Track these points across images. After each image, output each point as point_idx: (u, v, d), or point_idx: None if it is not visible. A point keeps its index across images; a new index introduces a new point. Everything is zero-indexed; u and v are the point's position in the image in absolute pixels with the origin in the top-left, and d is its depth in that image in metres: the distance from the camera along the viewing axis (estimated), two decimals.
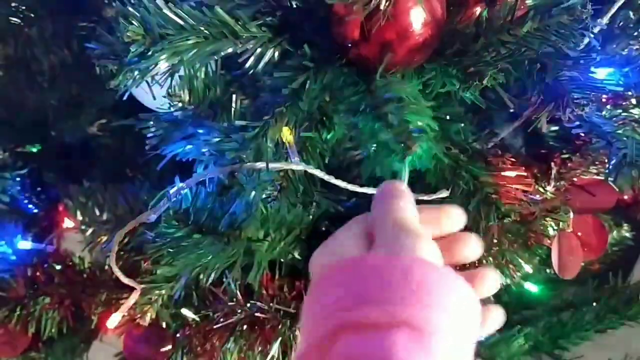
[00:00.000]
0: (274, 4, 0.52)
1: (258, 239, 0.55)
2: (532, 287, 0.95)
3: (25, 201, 0.88)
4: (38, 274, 0.79)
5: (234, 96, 0.53)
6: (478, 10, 0.53)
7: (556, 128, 0.67)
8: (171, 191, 0.49)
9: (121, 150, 0.90)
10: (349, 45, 0.50)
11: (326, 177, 0.50)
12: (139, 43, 0.46)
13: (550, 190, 0.64)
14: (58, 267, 0.78)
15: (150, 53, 0.46)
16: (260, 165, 0.46)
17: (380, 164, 0.55)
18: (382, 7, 0.46)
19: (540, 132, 0.68)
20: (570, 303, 0.98)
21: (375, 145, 0.49)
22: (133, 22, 0.46)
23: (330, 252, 0.38)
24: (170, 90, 0.50)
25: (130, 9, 0.46)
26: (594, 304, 0.97)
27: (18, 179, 0.86)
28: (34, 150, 0.88)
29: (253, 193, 0.49)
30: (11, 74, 0.72)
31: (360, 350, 0.32)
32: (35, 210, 0.90)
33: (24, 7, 0.71)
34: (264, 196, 0.51)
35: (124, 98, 0.68)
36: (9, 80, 0.72)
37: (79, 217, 0.69)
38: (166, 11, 0.46)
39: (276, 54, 0.52)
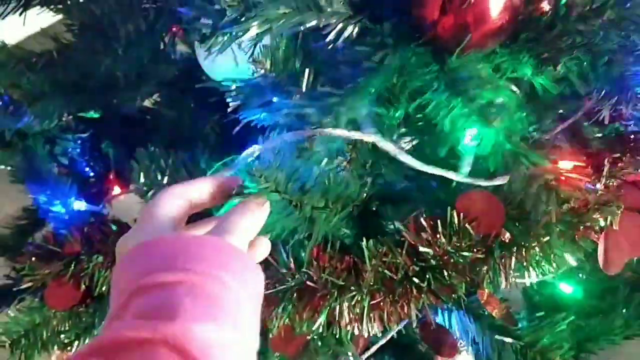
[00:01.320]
0: None
1: (321, 207, 0.57)
2: (566, 288, 0.96)
3: (83, 164, 0.92)
4: (93, 232, 0.82)
5: (307, 69, 0.55)
6: (546, 3, 0.56)
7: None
8: (247, 151, 0.52)
9: (178, 123, 0.93)
10: (427, 25, 0.53)
11: (396, 152, 0.52)
12: (234, 9, 0.49)
13: (600, 188, 0.66)
14: (114, 228, 0.81)
15: (243, 19, 0.49)
16: (339, 132, 0.48)
17: (443, 145, 0.57)
18: None
19: (587, 133, 0.70)
20: (600, 308, 1.00)
21: (445, 124, 0.51)
22: None
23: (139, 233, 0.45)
24: (255, 57, 0.53)
25: None
26: (624, 310, 0.98)
27: (79, 142, 0.90)
28: (96, 116, 0.91)
29: (325, 160, 0.52)
30: (87, 39, 0.75)
31: (149, 302, 0.39)
32: (92, 174, 0.94)
33: None
34: (334, 165, 0.54)
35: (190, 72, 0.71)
36: (85, 45, 0.75)
37: (142, 179, 0.72)
38: None
39: (355, 30, 0.54)
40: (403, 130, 0.62)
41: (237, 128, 0.56)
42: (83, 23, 0.77)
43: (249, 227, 0.47)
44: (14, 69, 0.78)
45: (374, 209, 0.73)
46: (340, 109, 0.47)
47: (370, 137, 0.51)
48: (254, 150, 0.53)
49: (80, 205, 0.91)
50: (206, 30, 0.50)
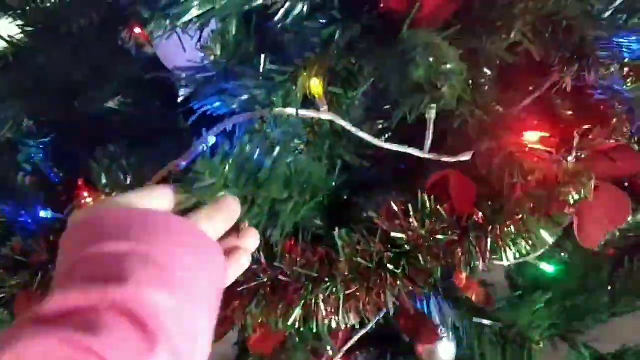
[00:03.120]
0: None
1: (282, 199, 0.55)
2: (547, 268, 0.95)
3: (48, 170, 0.89)
4: (60, 239, 0.80)
5: (263, 55, 0.53)
6: None
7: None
8: (200, 140, 0.50)
9: (145, 121, 0.91)
10: None
11: (353, 130, 0.50)
12: None
13: (571, 160, 0.64)
14: None
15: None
16: (290, 110, 0.46)
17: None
18: None
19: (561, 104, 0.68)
20: (585, 286, 0.98)
21: (401, 96, 0.49)
22: None
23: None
24: (202, 43, 0.51)
25: None
26: (609, 287, 0.97)
27: (42, 147, 0.87)
28: (58, 120, 0.89)
29: (277, 147, 0.50)
30: (40, 38, 0.73)
31: (99, 269, 0.36)
32: (56, 180, 0.91)
33: None
34: (291, 149, 0.52)
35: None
36: (38, 45, 0.73)
37: (103, 181, 0.70)
38: None
39: (305, 7, 0.52)
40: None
41: (193, 118, 0.54)
42: (36, 22, 0.75)
43: (218, 216, 0.45)
44: None
45: (345, 197, 0.71)
46: (291, 87, 0.45)
47: (324, 115, 0.49)
48: (206, 138, 0.51)
49: (46, 213, 0.88)
50: (145, 13, 0.48)
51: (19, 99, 0.79)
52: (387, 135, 0.63)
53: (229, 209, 0.46)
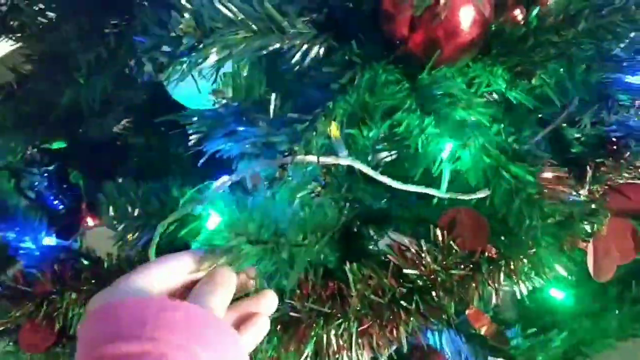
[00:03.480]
0: (320, 0, 0.52)
1: (299, 243, 0.55)
2: (557, 294, 0.94)
3: (51, 198, 0.89)
4: (65, 269, 0.79)
5: (274, 94, 0.52)
6: (518, 11, 0.54)
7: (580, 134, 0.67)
8: (217, 183, 0.49)
9: (148, 150, 0.90)
10: (397, 41, 0.51)
11: (372, 173, 0.50)
12: (190, 36, 0.46)
13: (584, 194, 0.64)
14: (86, 263, 0.78)
15: (201, 46, 0.46)
16: (311, 158, 0.46)
17: (419, 164, 0.55)
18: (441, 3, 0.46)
19: (568, 137, 0.68)
20: (593, 310, 0.98)
21: (419, 143, 0.49)
22: (185, 15, 0.46)
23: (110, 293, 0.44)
24: (214, 87, 0.51)
25: (183, 2, 0.46)
26: (617, 311, 0.97)
27: (45, 175, 0.86)
28: (62, 146, 0.88)
29: (298, 195, 0.49)
30: (47, 69, 0.72)
31: None
32: (61, 207, 0.90)
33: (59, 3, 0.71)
34: (308, 192, 0.51)
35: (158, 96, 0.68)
36: (45, 75, 0.72)
37: (111, 213, 0.69)
38: (217, 5, 0.46)
39: (321, 50, 0.52)
40: (379, 147, 0.60)
41: (202, 160, 0.53)
42: (42, 53, 0.74)
43: (221, 288, 0.45)
44: None
45: (355, 230, 0.71)
46: (311, 135, 0.45)
47: (344, 160, 0.49)
48: (223, 181, 0.51)
49: (50, 240, 0.87)
50: (163, 59, 0.47)
51: (22, 127, 0.78)
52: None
53: (226, 279, 0.46)
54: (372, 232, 0.68)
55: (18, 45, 0.80)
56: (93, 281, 0.77)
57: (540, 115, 0.65)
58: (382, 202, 0.58)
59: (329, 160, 0.48)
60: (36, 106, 0.75)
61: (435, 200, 0.63)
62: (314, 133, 0.46)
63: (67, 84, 0.71)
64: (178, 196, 0.73)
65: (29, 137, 0.79)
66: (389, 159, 0.62)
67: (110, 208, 0.69)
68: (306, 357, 0.63)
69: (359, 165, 0.49)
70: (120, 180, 0.71)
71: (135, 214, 0.71)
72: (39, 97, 0.74)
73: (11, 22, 0.79)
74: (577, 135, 0.67)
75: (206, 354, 0.39)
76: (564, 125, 0.65)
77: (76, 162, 0.92)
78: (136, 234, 0.73)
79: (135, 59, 0.81)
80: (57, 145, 0.88)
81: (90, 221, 0.99)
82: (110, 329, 0.39)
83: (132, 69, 0.82)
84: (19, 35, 0.80)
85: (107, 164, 0.93)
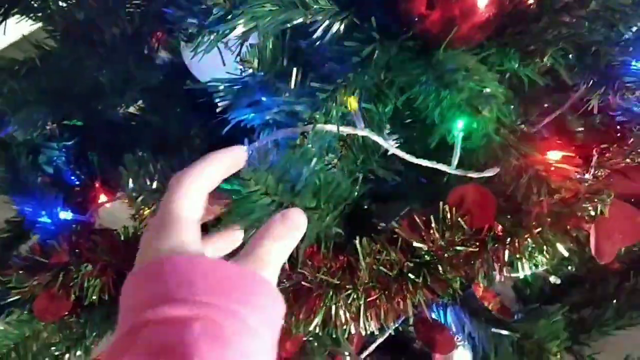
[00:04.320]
0: None
1: (312, 207, 0.57)
2: (556, 280, 0.97)
3: (69, 173, 0.91)
4: (81, 242, 0.81)
5: (295, 68, 0.55)
6: None
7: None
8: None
9: (164, 128, 0.92)
10: (414, 19, 0.53)
11: (387, 145, 0.52)
12: (220, 7, 0.48)
13: (590, 178, 0.67)
14: (102, 235, 0.80)
15: (229, 17, 0.49)
16: (331, 127, 0.48)
17: (433, 139, 0.57)
18: None
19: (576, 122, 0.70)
20: (591, 300, 1.00)
21: (436, 115, 0.51)
22: None
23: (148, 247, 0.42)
24: (242, 56, 0.53)
25: None
26: (614, 301, 0.99)
27: (64, 150, 0.88)
28: (79, 123, 0.90)
29: (314, 160, 0.51)
30: (70, 45, 0.74)
31: (162, 338, 0.36)
32: (77, 183, 0.92)
33: None
34: (325, 162, 0.53)
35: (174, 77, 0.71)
36: (68, 51, 0.74)
37: (131, 185, 0.71)
38: None
39: (342, 26, 0.54)
40: (388, 128, 0.62)
41: (227, 128, 0.55)
42: (65, 29, 0.76)
43: (285, 253, 0.44)
44: None
45: (365, 207, 0.73)
46: (331, 104, 0.47)
47: (362, 131, 0.51)
48: (252, 148, 0.53)
49: (66, 214, 0.90)
50: (192, 29, 0.49)
51: (44, 102, 0.80)
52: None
53: (297, 240, 0.45)
54: (381, 210, 0.70)
55: (40, 24, 0.82)
56: (108, 253, 0.80)
57: (545, 104, 0.67)
58: (394, 177, 0.60)
59: (347, 130, 0.50)
60: (58, 82, 0.77)
61: (445, 179, 0.65)
62: (334, 103, 0.48)
63: (90, 61, 0.73)
64: None
65: (50, 112, 0.80)
66: (399, 139, 0.65)
67: (130, 180, 0.72)
68: (315, 326, 0.66)
69: (375, 137, 0.52)
70: (140, 153, 0.73)
71: (154, 186, 0.73)
72: (61, 73, 0.76)
73: (32, 1, 0.81)
74: (582, 122, 0.69)
75: (254, 316, 0.38)
76: (568, 114, 0.68)
77: (93, 139, 0.94)
78: (153, 207, 0.75)
79: (155, 38, 0.84)
80: (76, 122, 0.90)
81: (103, 197, 1.01)
82: (155, 292, 0.38)
83: (152, 49, 0.84)
84: (40, 14, 0.82)
85: (124, 142, 0.96)
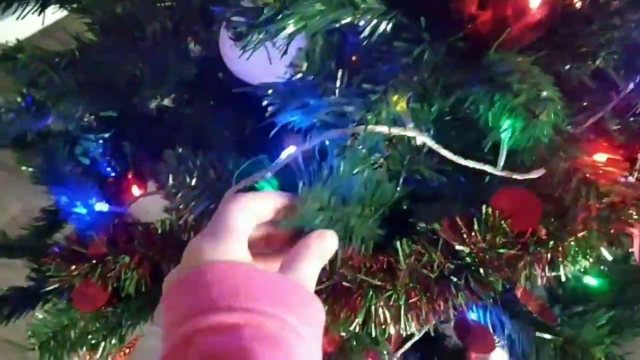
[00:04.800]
0: None
1: (359, 214, 0.57)
2: (591, 281, 0.95)
3: (105, 165, 0.91)
4: (118, 233, 0.82)
5: (341, 69, 0.54)
6: None
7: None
8: (286, 153, 0.51)
9: (198, 122, 0.92)
10: (465, 19, 0.52)
11: (435, 146, 0.51)
12: (271, 6, 0.48)
13: (633, 181, 0.65)
14: (139, 228, 0.81)
15: (280, 17, 0.48)
16: (382, 128, 0.48)
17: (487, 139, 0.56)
18: None
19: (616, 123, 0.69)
20: (623, 300, 0.99)
21: (488, 118, 0.50)
22: None
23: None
24: (292, 60, 0.52)
25: None
26: None
27: (100, 142, 0.89)
28: (115, 115, 0.91)
29: (365, 165, 0.51)
30: (110, 39, 0.75)
31: (216, 346, 0.36)
32: (112, 174, 0.93)
33: None
34: (372, 163, 0.53)
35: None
36: (109, 45, 0.74)
37: (170, 181, 0.71)
38: None
39: (389, 26, 0.53)
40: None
41: (274, 131, 0.55)
42: (104, 22, 0.76)
43: (318, 270, 0.46)
44: (37, 69, 0.77)
45: (404, 207, 0.72)
46: (382, 105, 0.47)
47: (411, 132, 0.50)
48: (291, 151, 0.52)
49: (102, 206, 0.90)
50: (242, 28, 0.49)
51: (83, 94, 0.81)
52: None
53: (323, 249, 0.47)
54: (421, 211, 0.69)
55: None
56: (145, 246, 0.80)
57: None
58: (440, 177, 0.59)
59: (398, 131, 0.50)
60: (97, 74, 0.77)
61: (486, 179, 0.65)
62: (385, 104, 0.48)
63: (131, 54, 0.73)
64: (232, 168, 0.76)
65: (89, 104, 0.81)
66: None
67: (170, 176, 0.72)
68: (355, 326, 0.65)
69: (424, 138, 0.51)
70: (179, 149, 0.73)
71: (193, 183, 0.73)
72: (100, 66, 0.76)
73: None
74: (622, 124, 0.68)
75: (298, 321, 0.40)
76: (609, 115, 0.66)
77: (126, 131, 0.94)
78: (191, 204, 0.75)
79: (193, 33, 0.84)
80: (111, 114, 0.91)
81: (135, 189, 1.02)
82: (199, 301, 0.39)
83: (187, 43, 0.84)
84: (75, 5, 0.82)
85: (158, 136, 0.96)
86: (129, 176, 1.00)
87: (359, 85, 0.48)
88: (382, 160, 0.54)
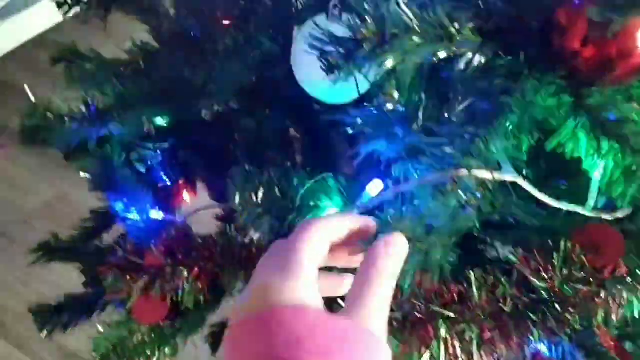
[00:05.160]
0: (489, 8, 0.51)
1: (441, 244, 0.55)
2: None
3: (161, 173, 0.91)
4: (175, 245, 0.81)
5: (435, 99, 0.52)
6: None
7: None
8: (371, 188, 0.50)
9: (256, 131, 0.91)
10: (567, 56, 0.50)
11: (532, 190, 0.49)
12: (371, 39, 0.46)
13: None
14: (199, 241, 0.80)
15: (379, 51, 0.46)
16: (484, 173, 0.46)
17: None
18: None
19: None
20: None
21: (588, 163, 0.48)
22: (367, 19, 0.46)
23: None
24: (385, 91, 0.51)
25: (366, 6, 0.46)
26: None
27: (158, 150, 0.88)
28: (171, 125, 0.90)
29: (454, 201, 0.49)
30: (183, 51, 0.74)
31: None
32: (167, 183, 0.92)
33: None
34: (462, 203, 0.51)
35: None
36: (182, 58, 0.74)
37: (237, 200, 0.70)
38: (401, 11, 0.46)
39: (483, 59, 0.52)
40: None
41: (358, 160, 0.54)
42: (173, 34, 0.75)
43: (393, 282, 0.43)
44: (103, 77, 0.77)
45: (475, 233, 0.71)
46: (487, 151, 0.45)
47: (512, 177, 0.48)
48: (377, 187, 0.51)
49: (157, 214, 0.90)
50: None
51: (147, 103, 0.80)
52: None
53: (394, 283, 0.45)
54: (495, 239, 0.68)
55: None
56: (204, 259, 0.80)
57: None
58: (533, 221, 0.57)
59: (500, 175, 0.48)
60: (164, 85, 0.77)
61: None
62: (485, 148, 0.46)
63: (201, 67, 0.72)
64: (299, 185, 0.75)
65: (154, 113, 0.80)
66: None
67: (237, 194, 0.71)
68: (430, 356, 0.64)
69: (525, 184, 0.49)
70: (248, 167, 0.72)
71: (258, 201, 0.73)
72: (169, 77, 0.75)
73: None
74: None
75: None
76: None
77: (185, 140, 0.93)
78: (255, 222, 0.74)
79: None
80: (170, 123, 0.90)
81: (186, 197, 1.01)
82: (263, 347, 0.38)
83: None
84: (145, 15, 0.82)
85: (213, 144, 0.95)
86: (183, 185, 1.00)
87: (461, 125, 0.46)
88: (473, 200, 0.52)
